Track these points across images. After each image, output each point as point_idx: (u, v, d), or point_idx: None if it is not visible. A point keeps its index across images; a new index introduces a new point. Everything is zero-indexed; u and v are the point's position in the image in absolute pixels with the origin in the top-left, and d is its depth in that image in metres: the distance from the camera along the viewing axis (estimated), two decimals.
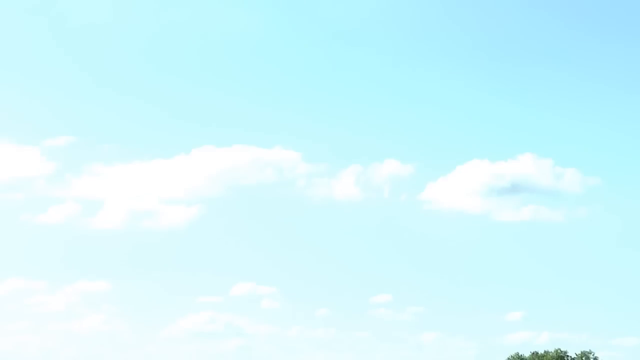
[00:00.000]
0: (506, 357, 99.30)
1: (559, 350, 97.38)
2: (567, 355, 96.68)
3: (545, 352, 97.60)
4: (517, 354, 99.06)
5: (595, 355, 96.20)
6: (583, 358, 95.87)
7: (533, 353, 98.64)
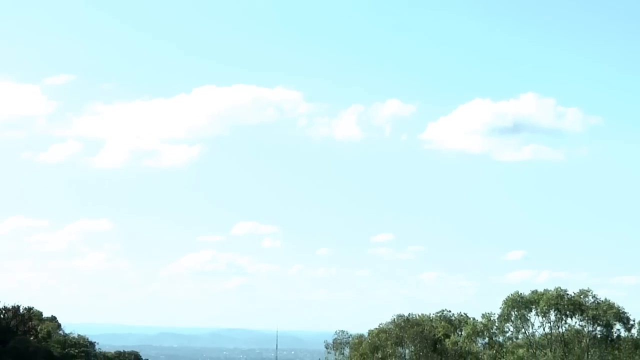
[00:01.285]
0: (506, 296, 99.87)
1: (558, 289, 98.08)
2: (567, 294, 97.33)
3: (545, 290, 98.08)
4: (517, 292, 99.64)
5: (594, 293, 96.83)
6: (582, 296, 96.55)
7: (533, 292, 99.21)
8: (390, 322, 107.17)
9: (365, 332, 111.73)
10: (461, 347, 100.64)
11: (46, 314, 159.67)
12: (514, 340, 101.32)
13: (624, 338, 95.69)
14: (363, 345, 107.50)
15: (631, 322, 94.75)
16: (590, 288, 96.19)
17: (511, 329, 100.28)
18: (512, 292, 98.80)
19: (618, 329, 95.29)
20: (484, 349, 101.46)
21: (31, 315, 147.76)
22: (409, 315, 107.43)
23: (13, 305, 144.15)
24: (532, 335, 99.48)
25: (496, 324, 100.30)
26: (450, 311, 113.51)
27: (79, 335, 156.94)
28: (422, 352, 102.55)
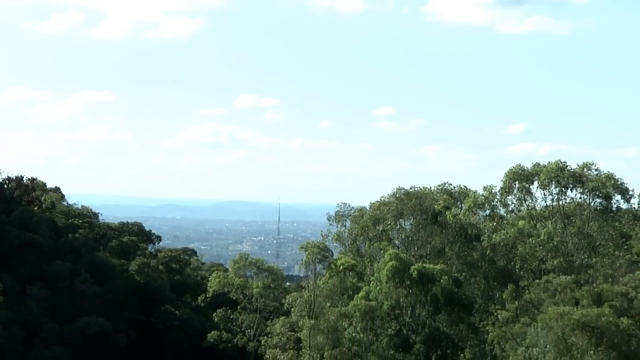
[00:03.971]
0: (507, 169, 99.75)
1: (558, 162, 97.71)
2: (567, 167, 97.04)
3: (548, 163, 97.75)
4: (519, 165, 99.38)
5: (596, 166, 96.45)
6: (584, 169, 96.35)
7: (535, 164, 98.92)
8: (391, 195, 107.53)
9: (366, 204, 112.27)
10: (461, 219, 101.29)
11: (50, 184, 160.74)
12: (516, 212, 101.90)
13: (624, 210, 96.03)
14: (364, 218, 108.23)
15: (630, 194, 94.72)
16: (592, 160, 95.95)
17: (513, 201, 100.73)
18: (514, 165, 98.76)
19: (617, 200, 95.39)
20: (484, 221, 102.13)
21: (35, 185, 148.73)
22: (409, 189, 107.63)
23: (16, 175, 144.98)
24: (533, 208, 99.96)
25: (497, 197, 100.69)
26: (451, 184, 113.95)
27: (82, 206, 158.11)
28: (422, 225, 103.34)
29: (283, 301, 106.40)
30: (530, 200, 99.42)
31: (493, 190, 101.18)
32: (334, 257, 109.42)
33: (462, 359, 79.94)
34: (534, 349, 61.97)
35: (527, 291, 79.38)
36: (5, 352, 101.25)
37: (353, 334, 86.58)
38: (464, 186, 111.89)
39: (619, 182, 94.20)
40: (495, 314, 77.75)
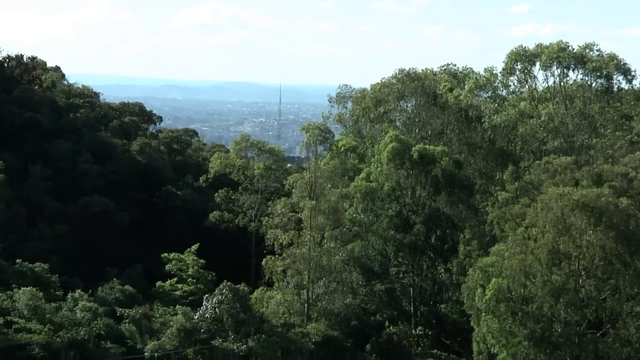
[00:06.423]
0: (509, 50, 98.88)
1: (560, 42, 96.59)
2: (569, 47, 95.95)
3: (550, 43, 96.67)
4: (521, 46, 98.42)
5: (598, 47, 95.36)
6: (586, 50, 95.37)
7: (537, 45, 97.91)
8: (393, 77, 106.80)
9: (368, 86, 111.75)
10: (462, 100, 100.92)
11: (50, 64, 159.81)
12: (517, 94, 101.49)
13: (625, 90, 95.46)
14: (366, 99, 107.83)
15: (632, 74, 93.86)
16: (595, 41, 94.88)
17: (515, 82, 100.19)
18: (516, 45, 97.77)
19: (619, 80, 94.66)
20: (486, 102, 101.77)
21: (35, 64, 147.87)
22: (409, 70, 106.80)
23: (16, 54, 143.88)
24: (534, 90, 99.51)
25: (499, 78, 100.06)
26: (455, 64, 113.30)
27: (83, 85, 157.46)
28: (423, 107, 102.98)
29: (284, 182, 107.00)
30: (531, 82, 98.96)
31: (494, 72, 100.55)
32: (335, 138, 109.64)
33: (461, 239, 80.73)
34: (533, 229, 62.42)
35: (527, 172, 79.66)
36: (8, 229, 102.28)
37: (353, 215, 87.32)
38: (469, 67, 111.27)
39: (621, 63, 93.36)
40: (495, 194, 78.16)
